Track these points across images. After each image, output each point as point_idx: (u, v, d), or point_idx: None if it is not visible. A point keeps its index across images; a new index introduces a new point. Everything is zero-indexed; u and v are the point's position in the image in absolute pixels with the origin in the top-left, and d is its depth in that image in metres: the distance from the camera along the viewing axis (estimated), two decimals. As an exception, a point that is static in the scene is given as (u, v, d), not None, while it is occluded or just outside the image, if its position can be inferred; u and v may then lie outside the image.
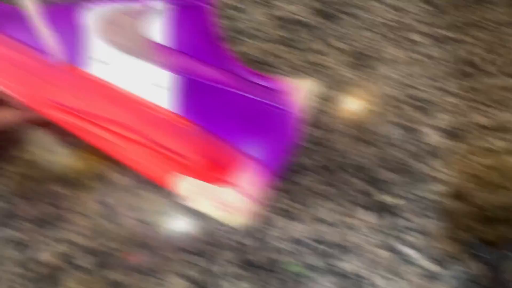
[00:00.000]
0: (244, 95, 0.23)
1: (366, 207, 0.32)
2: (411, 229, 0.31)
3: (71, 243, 0.29)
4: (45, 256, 0.28)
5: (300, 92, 0.25)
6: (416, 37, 0.39)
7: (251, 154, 0.22)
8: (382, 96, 0.35)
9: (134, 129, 0.22)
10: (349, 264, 0.29)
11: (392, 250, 0.30)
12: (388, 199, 0.32)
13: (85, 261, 0.28)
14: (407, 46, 0.39)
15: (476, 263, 0.30)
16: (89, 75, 0.23)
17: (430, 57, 0.38)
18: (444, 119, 0.35)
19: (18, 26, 0.23)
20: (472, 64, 0.38)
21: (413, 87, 0.36)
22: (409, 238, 0.31)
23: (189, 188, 0.21)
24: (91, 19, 0.23)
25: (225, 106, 0.23)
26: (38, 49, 0.22)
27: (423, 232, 0.31)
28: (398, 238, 0.31)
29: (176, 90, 0.23)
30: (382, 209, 0.32)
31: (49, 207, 0.29)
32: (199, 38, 0.24)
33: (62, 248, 0.28)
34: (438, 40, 0.39)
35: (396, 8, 0.41)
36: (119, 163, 0.26)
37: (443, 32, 0.40)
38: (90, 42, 0.23)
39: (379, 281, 0.29)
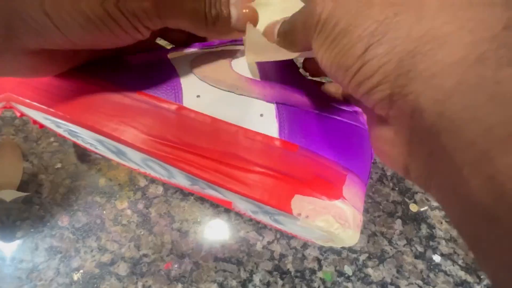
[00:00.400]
0: (334, 118, 0.24)
1: (394, 215, 0.33)
2: (440, 237, 0.32)
3: (107, 251, 0.30)
4: (83, 264, 0.29)
5: None
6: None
7: (351, 169, 0.23)
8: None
9: (248, 160, 0.22)
10: (379, 272, 0.31)
11: (423, 258, 0.32)
12: (416, 207, 0.34)
13: (121, 269, 0.29)
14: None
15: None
16: (192, 111, 0.22)
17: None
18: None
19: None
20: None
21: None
22: (439, 246, 0.32)
23: (308, 206, 0.21)
24: (180, 61, 0.24)
25: (321, 128, 0.23)
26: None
27: (452, 240, 0.32)
28: (428, 246, 0.32)
29: (278, 118, 0.23)
30: (411, 217, 0.33)
31: (86, 216, 0.31)
32: (284, 70, 0.25)
33: (99, 256, 0.30)
34: None
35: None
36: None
37: None
38: (184, 80, 0.23)
39: (410, 288, 0.30)
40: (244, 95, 0.23)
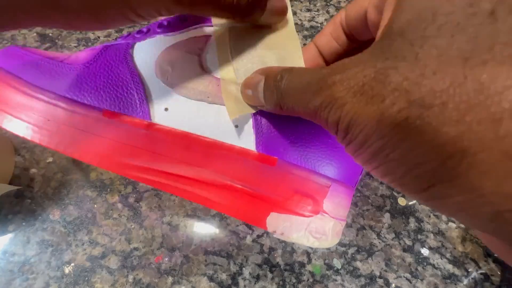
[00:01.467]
0: None
1: (383, 209, 0.33)
2: (428, 230, 0.33)
3: (98, 244, 0.30)
4: (74, 257, 0.30)
5: None
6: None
7: (336, 177, 0.21)
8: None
9: (224, 176, 0.21)
10: (368, 266, 0.31)
11: (411, 251, 0.32)
12: (404, 201, 0.34)
13: (112, 262, 0.29)
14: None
15: (492, 263, 0.31)
16: (161, 128, 0.21)
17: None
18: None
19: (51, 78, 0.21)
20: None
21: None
22: (427, 240, 0.32)
23: (283, 223, 0.20)
24: (142, 59, 0.22)
25: (303, 134, 0.22)
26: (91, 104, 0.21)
27: (440, 234, 0.33)
28: (416, 239, 0.32)
29: (255, 129, 0.21)
30: (399, 211, 0.33)
31: (77, 209, 0.31)
32: None
33: (90, 249, 0.30)
34: None
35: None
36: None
37: None
38: (150, 91, 0.21)
39: (398, 282, 0.31)
40: (217, 103, 0.21)
